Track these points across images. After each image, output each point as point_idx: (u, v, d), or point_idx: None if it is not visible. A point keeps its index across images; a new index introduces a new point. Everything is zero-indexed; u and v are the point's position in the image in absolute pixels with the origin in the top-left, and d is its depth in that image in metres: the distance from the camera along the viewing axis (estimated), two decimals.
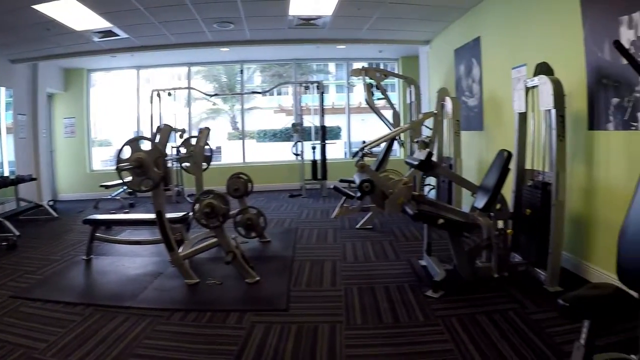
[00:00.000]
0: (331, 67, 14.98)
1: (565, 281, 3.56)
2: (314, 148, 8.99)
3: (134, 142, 3.72)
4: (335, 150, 10.53)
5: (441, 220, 3.41)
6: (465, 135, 5.98)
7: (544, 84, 3.60)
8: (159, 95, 8.81)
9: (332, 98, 15.34)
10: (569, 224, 3.90)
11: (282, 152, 10.28)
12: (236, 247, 4.00)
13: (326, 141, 8.91)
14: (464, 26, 6.49)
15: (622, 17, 3.28)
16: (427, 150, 4.30)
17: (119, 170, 3.61)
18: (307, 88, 9.52)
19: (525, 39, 4.74)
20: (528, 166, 4.06)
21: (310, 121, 9.86)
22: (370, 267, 4.30)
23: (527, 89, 3.96)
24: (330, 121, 13.20)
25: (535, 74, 3.89)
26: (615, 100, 3.41)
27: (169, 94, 8.87)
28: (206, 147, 5.68)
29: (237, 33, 7.25)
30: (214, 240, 3.97)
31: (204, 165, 5.68)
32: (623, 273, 1.90)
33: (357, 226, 5.84)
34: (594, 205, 3.73)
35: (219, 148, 17.12)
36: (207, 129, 5.68)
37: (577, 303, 1.79)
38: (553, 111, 3.49)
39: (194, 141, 5.84)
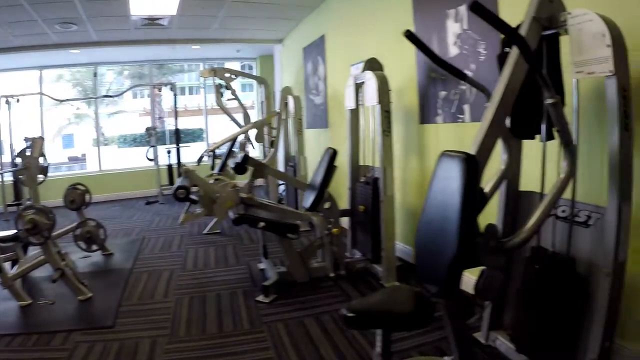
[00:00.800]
0: (202, 67, 14.45)
1: (405, 274, 3.59)
2: (169, 152, 8.54)
3: None
4: (198, 153, 10.09)
5: (262, 223, 3.25)
6: (313, 133, 5.96)
7: (369, 80, 3.60)
8: (7, 102, 7.83)
9: (200, 99, 14.75)
10: (407, 217, 3.97)
11: (142, 158, 9.65)
12: (65, 263, 3.67)
13: (181, 144, 8.52)
14: (311, 24, 6.48)
15: (449, 11, 3.36)
16: (244, 152, 4.16)
17: None
18: (160, 90, 9.01)
19: (364, 36, 4.80)
20: (362, 162, 4.07)
21: (172, 124, 9.35)
22: (208, 274, 4.10)
23: (358, 86, 3.96)
24: (196, 123, 12.66)
25: (364, 70, 3.89)
26: (442, 94, 3.51)
27: (17, 100, 7.93)
28: (41, 158, 5.10)
29: (82, 34, 6.76)
30: (41, 257, 3.65)
31: (40, 177, 5.12)
32: (417, 274, 1.81)
33: (205, 231, 5.58)
34: None
35: (84, 155, 15.79)
36: (41, 139, 5.11)
37: (362, 313, 1.66)
38: (378, 107, 3.49)
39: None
